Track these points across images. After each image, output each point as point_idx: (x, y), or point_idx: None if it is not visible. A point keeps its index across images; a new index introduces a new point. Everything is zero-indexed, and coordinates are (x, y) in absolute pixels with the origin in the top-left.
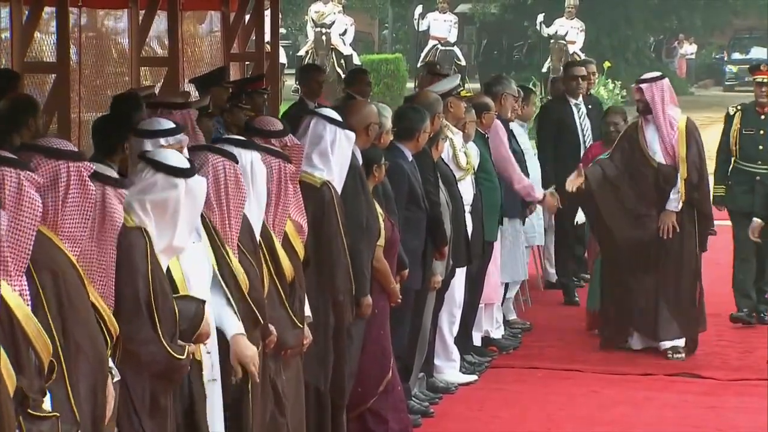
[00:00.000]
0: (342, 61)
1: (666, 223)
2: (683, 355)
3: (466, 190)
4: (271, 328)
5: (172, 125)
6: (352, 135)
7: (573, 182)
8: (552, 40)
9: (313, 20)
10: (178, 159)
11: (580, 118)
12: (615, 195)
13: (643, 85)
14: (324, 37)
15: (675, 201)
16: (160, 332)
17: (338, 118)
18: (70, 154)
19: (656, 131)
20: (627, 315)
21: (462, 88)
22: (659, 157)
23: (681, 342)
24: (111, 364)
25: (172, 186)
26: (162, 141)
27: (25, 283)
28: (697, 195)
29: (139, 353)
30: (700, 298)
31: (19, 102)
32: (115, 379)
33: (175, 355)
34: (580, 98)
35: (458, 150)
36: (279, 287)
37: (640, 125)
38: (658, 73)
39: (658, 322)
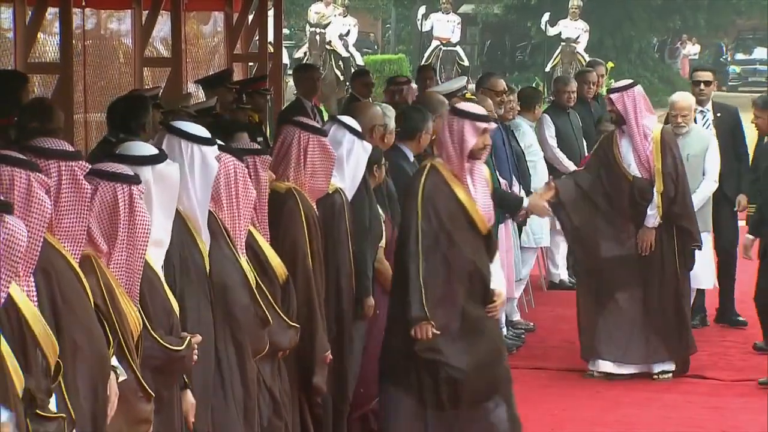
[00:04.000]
0: (340, 62)
1: (644, 240)
2: (670, 375)
3: None
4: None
5: (199, 133)
6: (369, 146)
7: (543, 195)
8: (563, 43)
9: (309, 21)
10: (143, 148)
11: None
12: (591, 208)
13: (614, 95)
14: (318, 37)
15: (652, 217)
16: (149, 327)
17: (358, 127)
18: (62, 153)
19: (630, 143)
20: (594, 340)
21: (467, 90)
22: (634, 170)
23: (671, 366)
24: (116, 363)
25: (141, 175)
26: (198, 148)
27: (33, 284)
28: (676, 209)
29: None
30: (686, 319)
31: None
32: (121, 379)
33: (171, 347)
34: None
35: None
36: (265, 289)
37: (615, 136)
38: (629, 81)
39: (648, 346)
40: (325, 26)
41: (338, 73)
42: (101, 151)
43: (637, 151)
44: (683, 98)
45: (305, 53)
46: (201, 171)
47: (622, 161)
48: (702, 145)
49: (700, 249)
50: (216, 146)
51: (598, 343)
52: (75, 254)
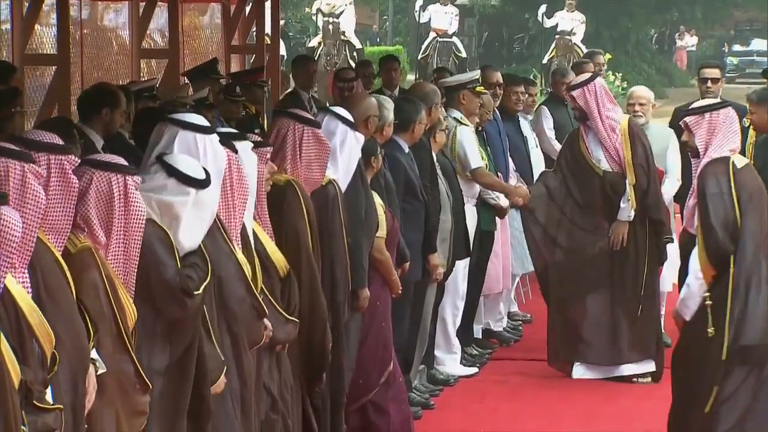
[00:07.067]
0: (354, 53)
1: (617, 234)
2: (650, 379)
3: (474, 184)
4: (266, 322)
5: (207, 123)
6: (361, 137)
7: (514, 192)
8: (558, 36)
9: (322, 11)
10: (193, 167)
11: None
12: (560, 210)
13: (575, 92)
14: (331, 27)
15: (626, 210)
16: None
17: (350, 118)
18: (51, 146)
19: (597, 137)
20: (572, 345)
21: (479, 84)
22: (604, 165)
23: (649, 366)
24: (95, 355)
25: (183, 193)
26: (209, 139)
27: (27, 275)
28: (649, 201)
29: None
30: (658, 315)
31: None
32: (100, 371)
33: None
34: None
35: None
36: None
37: (581, 133)
38: (587, 75)
39: (620, 345)
40: (338, 16)
41: (352, 64)
42: None
43: (605, 144)
44: (643, 89)
45: (320, 43)
46: (213, 162)
47: (590, 157)
48: (663, 144)
49: (672, 242)
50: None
51: (569, 350)
52: (59, 247)
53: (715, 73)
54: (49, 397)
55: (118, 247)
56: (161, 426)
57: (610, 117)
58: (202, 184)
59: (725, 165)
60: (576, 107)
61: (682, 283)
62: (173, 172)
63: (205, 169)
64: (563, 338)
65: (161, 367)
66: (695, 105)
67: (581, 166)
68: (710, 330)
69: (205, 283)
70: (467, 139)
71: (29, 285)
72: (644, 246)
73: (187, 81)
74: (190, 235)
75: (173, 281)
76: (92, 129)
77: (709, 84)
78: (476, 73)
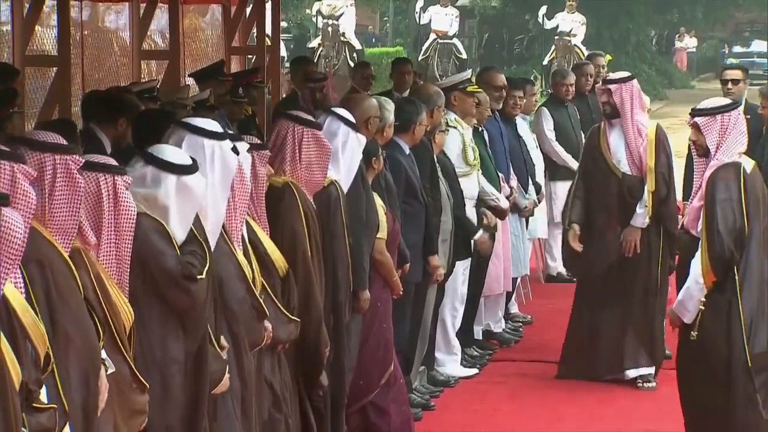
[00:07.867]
0: (354, 54)
1: (629, 240)
2: (654, 384)
3: (473, 185)
4: (267, 324)
5: (219, 129)
6: (363, 139)
7: (575, 242)
8: (556, 37)
9: (322, 13)
10: (175, 154)
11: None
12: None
13: (613, 86)
14: (330, 29)
15: (641, 216)
16: None
17: (352, 119)
18: (57, 146)
19: (622, 138)
20: (592, 354)
21: (471, 83)
22: (624, 167)
23: (651, 370)
24: (105, 355)
25: (163, 181)
26: (218, 145)
27: (19, 274)
28: (666, 210)
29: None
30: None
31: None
32: (109, 371)
33: None
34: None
35: (467, 145)
36: (265, 282)
37: (603, 130)
38: (627, 73)
39: (625, 351)
40: (338, 17)
41: (351, 65)
42: None
43: (629, 147)
44: None
45: (320, 44)
46: (221, 168)
47: (611, 156)
48: None
49: None
50: (229, 140)
51: (584, 365)
52: (66, 247)
53: (735, 74)
54: (43, 396)
55: (110, 247)
56: (180, 417)
57: (638, 120)
58: (184, 169)
59: (736, 171)
60: (609, 102)
61: (679, 284)
62: (151, 160)
63: (192, 158)
64: (578, 353)
65: (178, 358)
66: (705, 105)
67: (599, 164)
68: (694, 333)
69: (206, 268)
70: (452, 143)
71: (22, 284)
72: (657, 254)
73: (188, 82)
74: (181, 224)
75: (175, 269)
76: (104, 133)
77: (730, 86)
78: (467, 73)
